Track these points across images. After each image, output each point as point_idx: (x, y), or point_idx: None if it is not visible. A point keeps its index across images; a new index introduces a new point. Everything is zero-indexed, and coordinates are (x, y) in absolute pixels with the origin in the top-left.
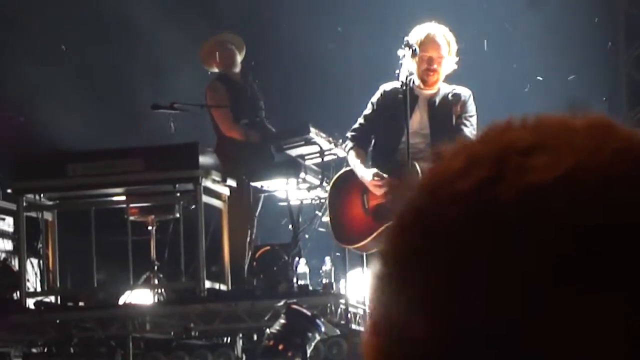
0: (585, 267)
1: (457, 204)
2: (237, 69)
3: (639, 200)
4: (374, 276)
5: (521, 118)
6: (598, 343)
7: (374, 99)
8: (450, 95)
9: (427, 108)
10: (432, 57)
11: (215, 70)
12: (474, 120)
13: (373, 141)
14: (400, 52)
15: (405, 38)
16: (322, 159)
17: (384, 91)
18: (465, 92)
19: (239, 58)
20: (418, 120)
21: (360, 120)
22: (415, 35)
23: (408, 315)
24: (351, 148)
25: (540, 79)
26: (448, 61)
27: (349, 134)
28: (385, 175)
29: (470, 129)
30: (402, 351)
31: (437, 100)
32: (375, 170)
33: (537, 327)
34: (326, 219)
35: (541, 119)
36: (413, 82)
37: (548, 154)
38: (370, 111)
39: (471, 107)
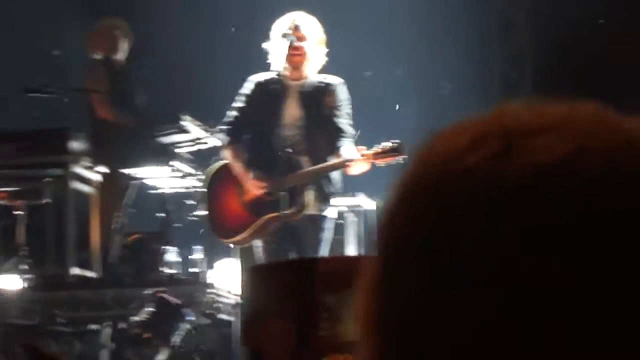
0: (591, 247)
1: (467, 178)
2: (121, 56)
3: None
4: (377, 249)
5: (521, 103)
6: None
7: (244, 90)
8: (320, 84)
9: (298, 99)
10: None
11: (99, 55)
12: (348, 108)
13: (247, 134)
14: (265, 45)
15: (280, 31)
16: (196, 147)
17: (253, 83)
18: (335, 81)
19: (125, 45)
20: (291, 111)
21: (232, 112)
22: (279, 24)
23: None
24: (226, 143)
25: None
26: (313, 45)
27: (220, 127)
28: (263, 179)
29: (344, 119)
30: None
31: (308, 90)
32: (252, 173)
33: (546, 301)
34: (203, 212)
35: (541, 105)
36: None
37: (552, 135)
38: (241, 104)
39: (343, 96)
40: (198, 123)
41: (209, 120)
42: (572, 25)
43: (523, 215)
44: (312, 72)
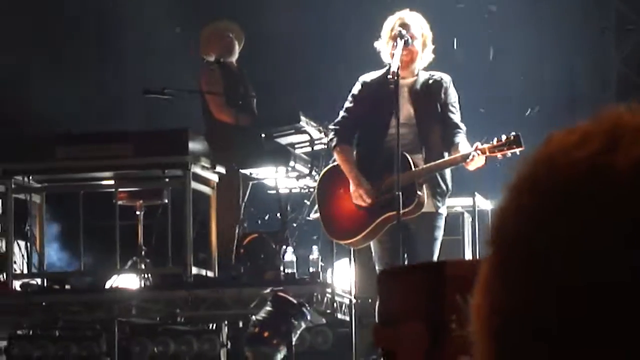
0: None
1: (574, 170)
2: (234, 58)
3: None
4: (487, 250)
5: (627, 106)
6: None
7: (355, 90)
8: (430, 81)
9: (409, 97)
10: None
11: (212, 58)
12: (457, 105)
13: (358, 134)
14: (377, 45)
15: (391, 30)
16: (312, 148)
17: (364, 82)
18: (445, 78)
19: (237, 48)
20: (404, 110)
21: (343, 113)
22: (388, 23)
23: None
24: (336, 145)
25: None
26: (421, 44)
27: (331, 128)
28: (369, 192)
29: (457, 115)
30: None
31: (418, 87)
32: (364, 185)
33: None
34: (316, 215)
35: None
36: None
37: None
38: (352, 104)
39: (453, 92)
40: (314, 124)
41: (324, 121)
42: None
43: (629, 209)
44: (421, 69)
